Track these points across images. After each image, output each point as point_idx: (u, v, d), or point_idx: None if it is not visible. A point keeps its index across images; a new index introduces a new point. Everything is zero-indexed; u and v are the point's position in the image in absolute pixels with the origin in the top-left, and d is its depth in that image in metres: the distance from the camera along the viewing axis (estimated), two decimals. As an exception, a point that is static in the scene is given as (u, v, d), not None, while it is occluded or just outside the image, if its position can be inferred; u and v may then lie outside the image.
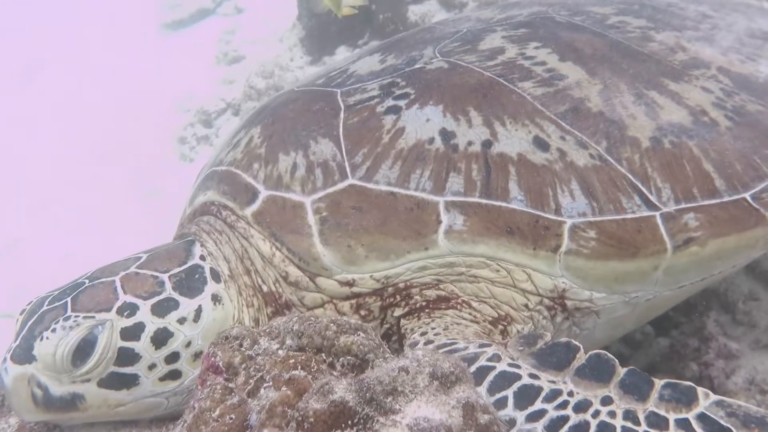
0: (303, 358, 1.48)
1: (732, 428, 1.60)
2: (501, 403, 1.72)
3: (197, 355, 2.05)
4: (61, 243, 5.90)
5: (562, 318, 2.18)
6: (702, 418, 1.64)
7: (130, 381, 2.02)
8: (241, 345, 1.56)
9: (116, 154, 7.31)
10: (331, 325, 1.55)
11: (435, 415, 1.31)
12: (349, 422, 1.28)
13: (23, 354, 1.97)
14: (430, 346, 1.96)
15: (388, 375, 1.36)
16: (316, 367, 1.47)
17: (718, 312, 2.90)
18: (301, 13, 7.61)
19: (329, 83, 2.52)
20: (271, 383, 1.40)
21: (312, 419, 1.28)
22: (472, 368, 1.81)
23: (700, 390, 1.70)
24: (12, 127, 8.57)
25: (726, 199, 2.16)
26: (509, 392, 1.74)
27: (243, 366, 1.50)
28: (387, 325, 2.19)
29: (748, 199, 2.17)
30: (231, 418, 1.37)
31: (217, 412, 1.39)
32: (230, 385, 1.48)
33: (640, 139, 2.23)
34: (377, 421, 1.29)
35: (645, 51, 2.56)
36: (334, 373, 1.47)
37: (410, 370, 1.37)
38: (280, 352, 1.52)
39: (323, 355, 1.52)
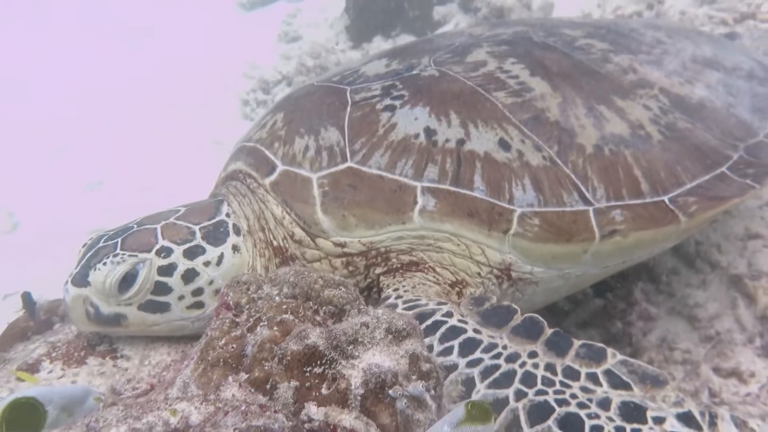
0: (294, 304, 1.49)
1: (631, 383, 1.62)
2: (448, 351, 1.75)
3: (218, 292, 2.07)
4: (142, 179, 5.99)
5: (508, 285, 2.18)
6: (608, 372, 1.65)
7: (164, 307, 2.09)
8: (248, 289, 1.57)
9: (191, 108, 7.39)
10: (319, 279, 1.56)
11: (386, 362, 1.33)
12: (318, 362, 1.30)
13: (81, 279, 2.04)
14: (400, 301, 1.99)
15: (351, 328, 1.38)
16: (303, 313, 1.47)
17: (645, 282, 2.86)
18: (348, 5, 7.49)
19: (342, 81, 2.50)
20: (266, 323, 1.41)
21: (289, 357, 1.30)
22: (429, 321, 1.84)
23: (609, 350, 1.71)
24: (117, 82, 8.66)
25: (648, 200, 2.14)
26: (455, 342, 1.76)
27: (247, 306, 1.51)
28: (369, 280, 2.21)
29: (666, 201, 2.15)
30: (232, 347, 1.38)
31: (223, 341, 1.40)
32: (237, 320, 1.48)
33: (585, 146, 2.20)
34: (340, 363, 1.31)
35: (602, 71, 2.49)
36: (318, 319, 1.48)
37: (370, 325, 1.39)
38: (276, 298, 1.53)
39: (311, 303, 1.52)
